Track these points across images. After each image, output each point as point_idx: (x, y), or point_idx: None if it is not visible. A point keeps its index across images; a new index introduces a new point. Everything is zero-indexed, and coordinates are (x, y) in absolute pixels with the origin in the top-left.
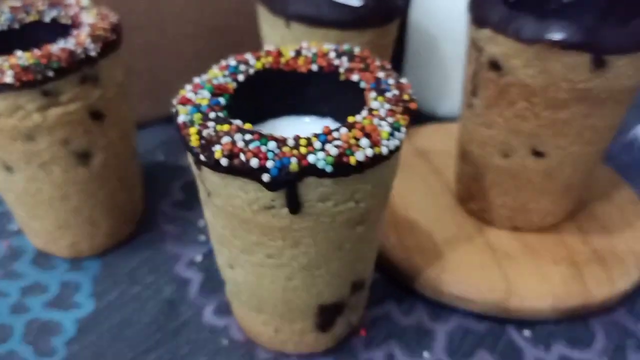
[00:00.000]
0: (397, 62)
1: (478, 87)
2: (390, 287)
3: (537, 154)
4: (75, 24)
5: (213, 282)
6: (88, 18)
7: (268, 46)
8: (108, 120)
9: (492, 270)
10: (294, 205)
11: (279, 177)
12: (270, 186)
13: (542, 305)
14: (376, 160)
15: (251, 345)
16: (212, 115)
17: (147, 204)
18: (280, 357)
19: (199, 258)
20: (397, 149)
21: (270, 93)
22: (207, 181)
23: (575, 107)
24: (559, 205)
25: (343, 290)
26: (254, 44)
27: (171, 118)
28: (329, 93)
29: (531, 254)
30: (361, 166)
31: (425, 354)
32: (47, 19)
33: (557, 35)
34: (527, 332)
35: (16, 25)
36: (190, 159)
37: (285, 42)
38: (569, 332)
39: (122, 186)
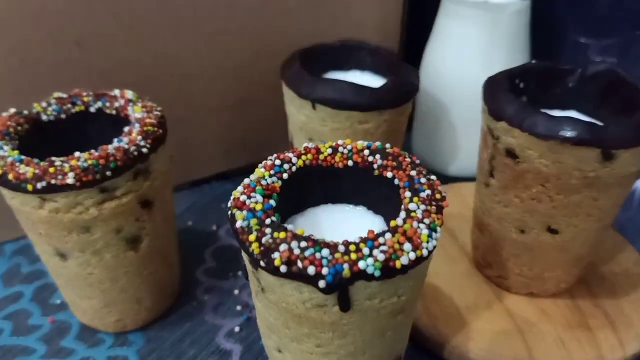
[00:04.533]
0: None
1: (495, 170)
2: (421, 356)
3: (552, 231)
4: (121, 116)
5: (252, 352)
6: (135, 112)
7: (293, 125)
8: (155, 207)
9: (514, 338)
10: (346, 305)
11: (333, 283)
12: (325, 291)
13: None
14: (418, 262)
15: None
16: (268, 221)
17: (183, 271)
18: None
19: (237, 329)
20: (435, 247)
21: (310, 185)
22: (263, 280)
23: (585, 192)
24: (572, 274)
25: None
26: (277, 114)
27: (196, 182)
28: (362, 186)
29: (548, 321)
30: (406, 268)
31: None
32: (92, 109)
33: (569, 134)
34: None
35: (63, 116)
36: (245, 258)
37: (311, 121)
38: None
39: (165, 264)
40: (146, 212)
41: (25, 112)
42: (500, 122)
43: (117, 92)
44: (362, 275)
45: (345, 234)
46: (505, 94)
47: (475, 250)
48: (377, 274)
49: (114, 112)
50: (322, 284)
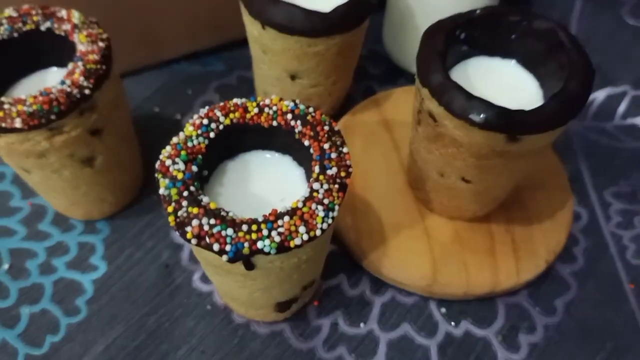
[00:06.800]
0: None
1: (420, 122)
2: (343, 261)
3: (466, 180)
4: (69, 40)
5: None
6: (80, 42)
7: (248, 33)
8: (105, 132)
9: (424, 258)
10: (249, 267)
11: (234, 258)
12: (229, 262)
13: (457, 292)
14: (311, 240)
15: (228, 311)
16: (185, 193)
17: (147, 160)
18: (251, 321)
19: None
20: (330, 225)
21: (239, 137)
22: None
23: (496, 159)
24: (488, 208)
25: (296, 292)
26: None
27: (165, 63)
28: (287, 141)
29: (460, 243)
30: (299, 246)
31: (362, 325)
32: (42, 28)
33: (478, 118)
34: (443, 309)
35: (15, 35)
36: None
37: (262, 37)
38: (477, 311)
39: (124, 171)
40: (96, 138)
41: None
42: (424, 88)
43: (63, 13)
44: (260, 251)
45: (269, 181)
46: (434, 60)
47: (408, 171)
48: (273, 252)
49: (63, 34)
50: (224, 257)
